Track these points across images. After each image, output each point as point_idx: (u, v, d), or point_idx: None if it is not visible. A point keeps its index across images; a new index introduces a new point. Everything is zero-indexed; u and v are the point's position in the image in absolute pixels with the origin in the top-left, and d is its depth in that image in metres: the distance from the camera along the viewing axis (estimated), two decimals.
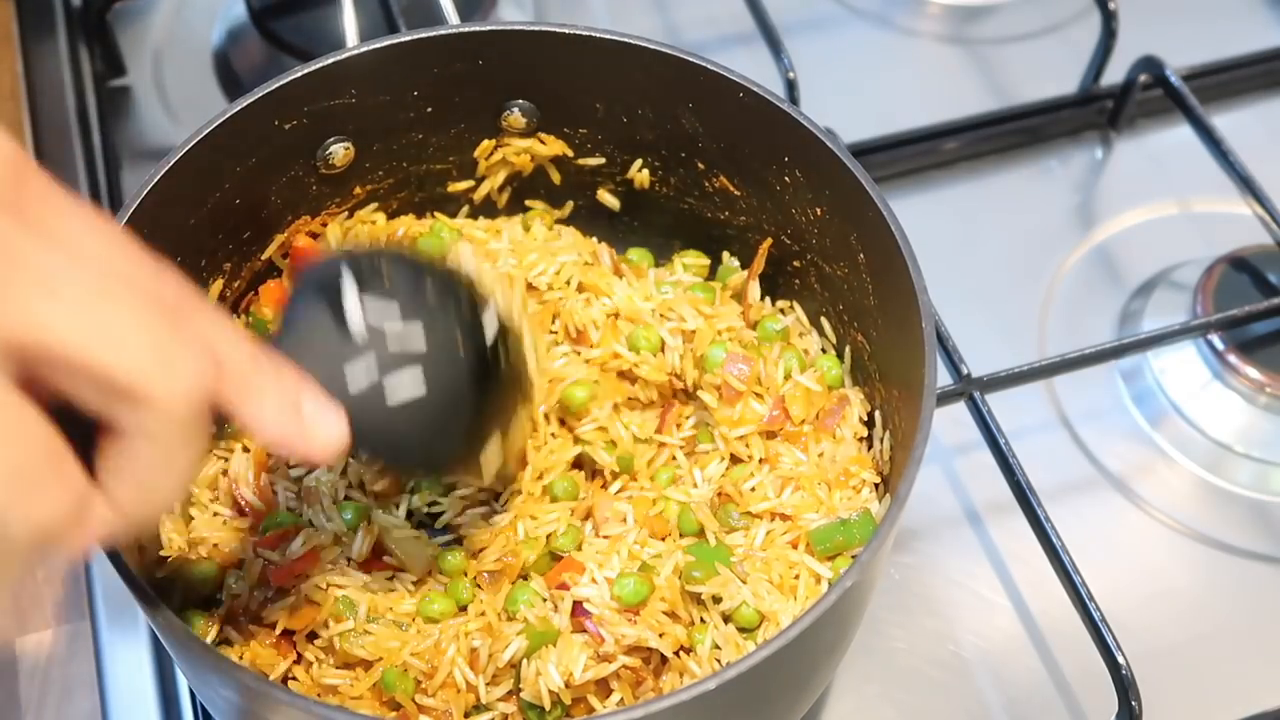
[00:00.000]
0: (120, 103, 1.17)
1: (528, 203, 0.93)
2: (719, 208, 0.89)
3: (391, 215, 0.91)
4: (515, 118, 0.88)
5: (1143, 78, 1.15)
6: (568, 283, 0.87)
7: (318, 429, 0.57)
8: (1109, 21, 1.13)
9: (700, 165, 0.88)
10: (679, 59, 0.82)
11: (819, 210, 0.83)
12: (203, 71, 1.20)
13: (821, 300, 0.87)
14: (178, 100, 1.17)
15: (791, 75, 1.06)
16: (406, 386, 0.65)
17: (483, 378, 0.70)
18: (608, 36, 0.82)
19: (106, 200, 1.09)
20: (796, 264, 0.87)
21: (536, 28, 0.83)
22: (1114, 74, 1.16)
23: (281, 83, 0.80)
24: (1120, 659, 0.81)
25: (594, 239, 0.92)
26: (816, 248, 0.85)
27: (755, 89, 0.80)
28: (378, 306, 0.65)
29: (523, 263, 0.86)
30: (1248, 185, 1.04)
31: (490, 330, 0.70)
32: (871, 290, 0.80)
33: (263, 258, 0.86)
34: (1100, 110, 1.18)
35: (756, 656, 0.61)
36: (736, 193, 0.87)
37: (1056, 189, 1.16)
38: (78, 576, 0.93)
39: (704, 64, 0.81)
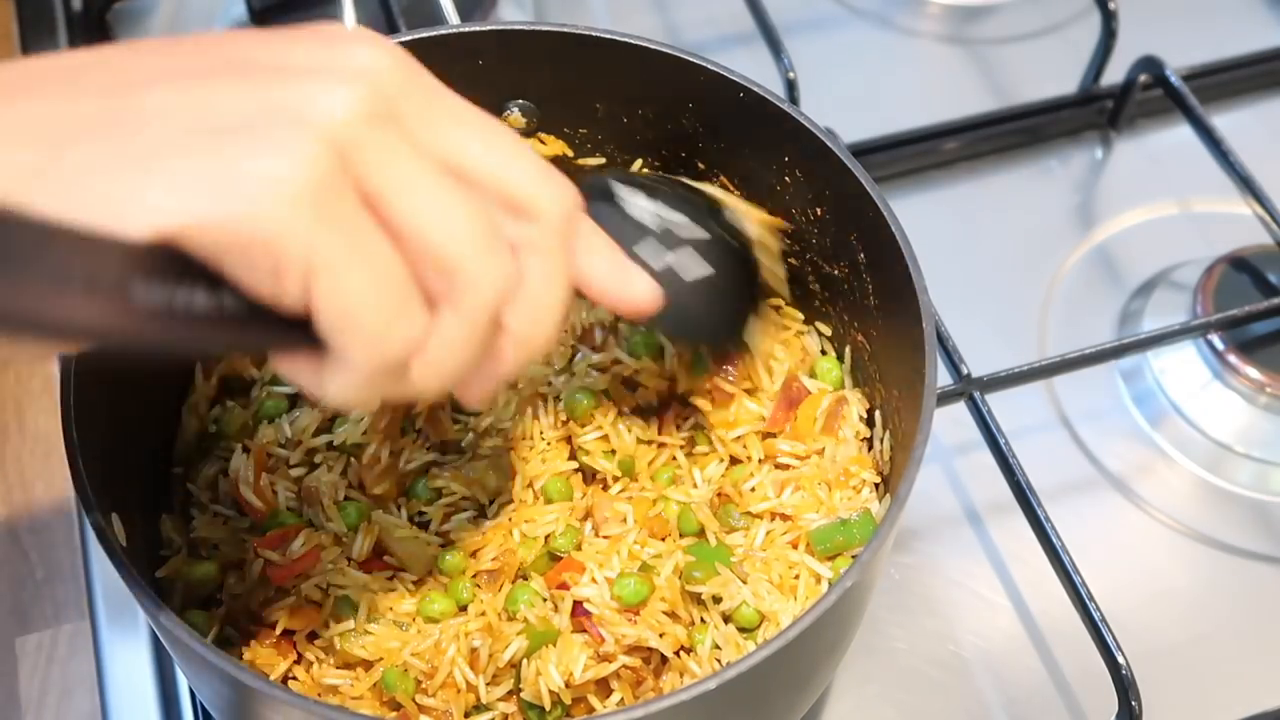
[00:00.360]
0: None
1: None
2: None
3: None
4: (515, 117, 0.88)
5: (1143, 78, 1.15)
6: None
7: (639, 284, 0.65)
8: (1109, 21, 1.13)
9: (700, 165, 0.88)
10: (679, 59, 0.82)
11: (819, 210, 0.82)
12: None
13: (821, 300, 0.87)
14: None
15: (791, 75, 1.06)
16: (698, 266, 0.76)
17: (748, 266, 0.80)
18: (607, 36, 0.82)
19: None
20: (795, 264, 0.87)
21: (536, 27, 0.83)
22: (1114, 74, 1.16)
23: None
24: (1120, 659, 0.81)
25: None
26: (816, 247, 0.85)
27: (755, 89, 0.80)
28: (662, 204, 0.77)
29: None
30: (1248, 185, 1.04)
31: (748, 229, 0.81)
32: (872, 290, 0.80)
33: None
34: (1100, 110, 1.18)
35: (756, 657, 0.61)
36: (736, 193, 0.87)
37: (1056, 189, 1.16)
38: (78, 576, 0.93)
39: (704, 64, 0.81)
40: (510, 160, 0.57)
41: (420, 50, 0.81)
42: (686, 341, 0.83)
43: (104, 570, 0.91)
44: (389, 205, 0.52)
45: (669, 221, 0.76)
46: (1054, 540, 0.85)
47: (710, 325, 0.80)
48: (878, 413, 0.82)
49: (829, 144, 0.78)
